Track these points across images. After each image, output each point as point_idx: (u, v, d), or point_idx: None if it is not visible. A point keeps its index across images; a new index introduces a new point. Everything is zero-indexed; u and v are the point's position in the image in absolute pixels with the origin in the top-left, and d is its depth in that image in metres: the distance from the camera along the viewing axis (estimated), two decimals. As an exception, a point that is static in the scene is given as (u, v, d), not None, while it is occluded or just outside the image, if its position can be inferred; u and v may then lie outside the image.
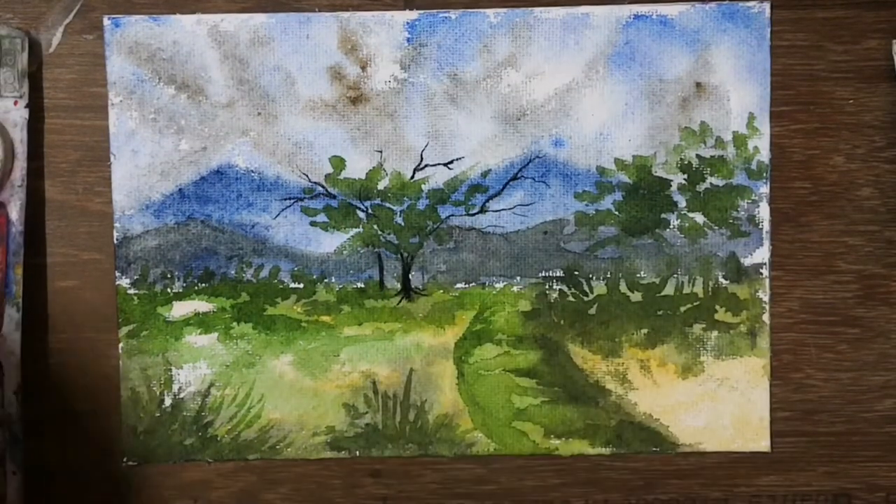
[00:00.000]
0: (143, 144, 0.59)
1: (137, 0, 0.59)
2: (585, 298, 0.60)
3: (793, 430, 0.61)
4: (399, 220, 0.60)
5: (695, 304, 0.60)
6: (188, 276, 0.59)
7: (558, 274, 0.60)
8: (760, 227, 0.60)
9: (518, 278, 0.60)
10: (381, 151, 0.59)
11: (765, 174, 0.59)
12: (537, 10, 0.59)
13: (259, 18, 0.58)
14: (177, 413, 0.60)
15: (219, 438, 0.60)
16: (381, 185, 0.59)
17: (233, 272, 0.60)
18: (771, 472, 0.61)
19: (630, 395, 0.60)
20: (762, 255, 0.60)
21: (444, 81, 0.59)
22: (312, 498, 0.61)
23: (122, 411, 0.60)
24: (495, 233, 0.60)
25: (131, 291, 0.59)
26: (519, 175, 0.59)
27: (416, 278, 0.60)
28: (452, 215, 0.60)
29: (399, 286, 0.60)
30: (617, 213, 0.60)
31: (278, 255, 0.60)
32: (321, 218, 0.59)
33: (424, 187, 0.59)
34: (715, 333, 0.60)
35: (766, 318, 0.60)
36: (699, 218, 0.60)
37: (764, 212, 0.59)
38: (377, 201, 0.60)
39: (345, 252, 0.60)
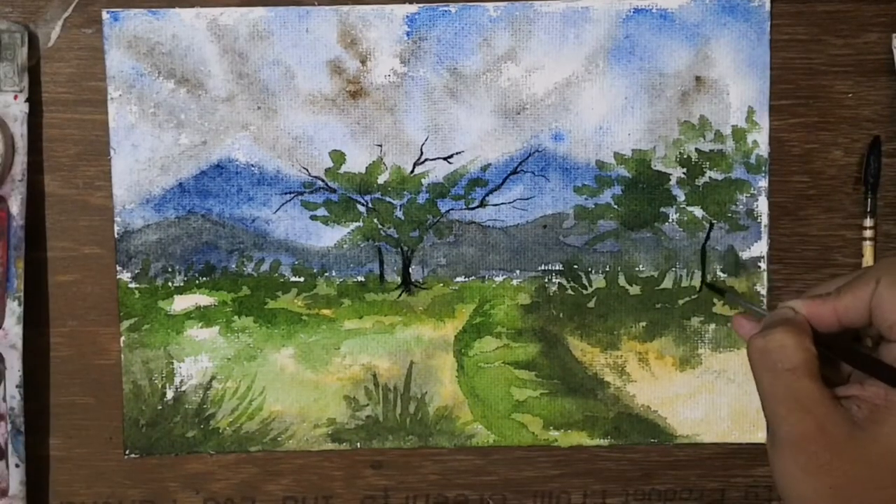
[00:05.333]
0: (142, 139, 0.59)
1: (136, -7, 0.59)
2: (584, 292, 0.60)
3: (789, 422, 0.61)
4: (399, 214, 0.60)
5: (693, 297, 0.60)
6: (189, 270, 0.60)
7: (557, 267, 0.60)
8: (759, 220, 0.60)
9: (517, 272, 0.60)
10: (380, 146, 0.59)
11: (763, 168, 0.59)
12: (537, 3, 0.58)
13: (258, 12, 0.58)
14: (179, 406, 0.60)
15: (220, 431, 0.60)
16: (381, 180, 0.60)
17: (233, 266, 0.60)
18: (767, 463, 0.61)
19: (628, 388, 0.61)
20: (760, 248, 0.60)
21: (443, 75, 0.59)
22: (314, 489, 0.61)
23: (124, 404, 0.60)
24: (495, 227, 0.60)
25: (132, 285, 0.60)
26: (518, 169, 0.59)
27: (416, 272, 0.60)
28: (452, 209, 0.60)
29: (399, 280, 0.60)
30: (616, 206, 0.60)
31: (279, 248, 0.60)
32: (321, 212, 0.60)
33: (424, 181, 0.60)
34: (713, 326, 0.60)
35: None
36: (698, 212, 0.60)
37: (762, 206, 0.60)
38: (377, 195, 0.60)
39: (345, 246, 0.60)
